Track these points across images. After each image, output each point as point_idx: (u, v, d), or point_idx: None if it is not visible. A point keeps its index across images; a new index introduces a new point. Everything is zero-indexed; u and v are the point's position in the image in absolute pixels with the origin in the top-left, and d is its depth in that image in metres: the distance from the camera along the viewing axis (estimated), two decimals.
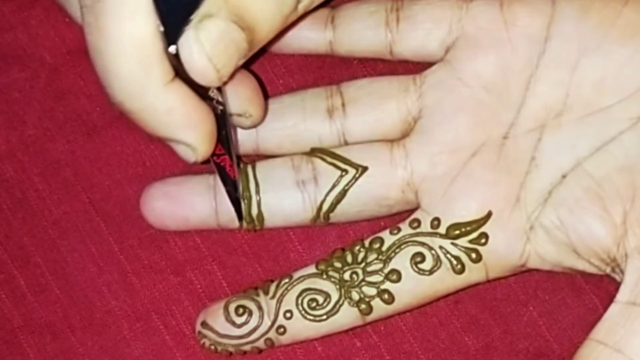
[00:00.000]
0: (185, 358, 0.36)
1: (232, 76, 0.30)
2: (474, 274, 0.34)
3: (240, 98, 0.33)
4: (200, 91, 0.30)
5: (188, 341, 0.36)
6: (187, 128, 0.30)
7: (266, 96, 0.36)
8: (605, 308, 0.32)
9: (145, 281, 0.37)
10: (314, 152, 0.35)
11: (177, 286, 0.37)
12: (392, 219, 0.36)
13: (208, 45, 0.28)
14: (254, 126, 0.35)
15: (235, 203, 0.35)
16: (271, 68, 0.38)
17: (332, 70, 0.37)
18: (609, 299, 0.32)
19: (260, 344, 0.34)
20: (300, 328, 0.34)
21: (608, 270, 0.32)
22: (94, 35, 0.28)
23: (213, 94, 0.31)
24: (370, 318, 0.34)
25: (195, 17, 0.28)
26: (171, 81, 0.29)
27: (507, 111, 0.34)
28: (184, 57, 0.28)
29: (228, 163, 0.33)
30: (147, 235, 0.37)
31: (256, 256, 0.37)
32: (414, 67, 0.36)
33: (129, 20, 0.28)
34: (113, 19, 0.28)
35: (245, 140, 0.36)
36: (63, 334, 0.36)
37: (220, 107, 0.31)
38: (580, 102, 0.33)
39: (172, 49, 0.28)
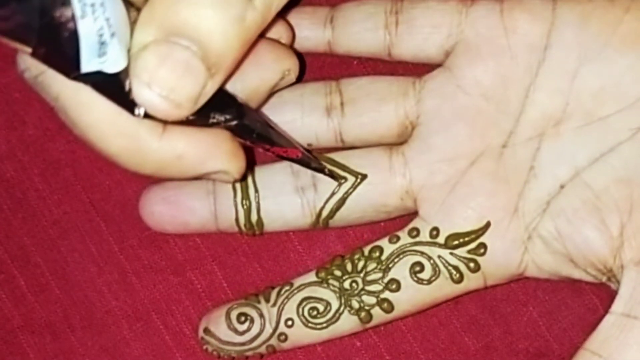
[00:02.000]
0: (185, 358, 0.36)
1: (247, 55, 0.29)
2: (472, 282, 0.34)
3: (269, 65, 0.32)
4: (201, 122, 0.29)
5: (188, 341, 0.36)
6: (206, 161, 0.29)
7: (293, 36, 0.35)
8: (605, 308, 0.32)
9: (145, 281, 0.37)
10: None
11: (177, 286, 0.37)
12: (392, 220, 0.36)
13: (146, 76, 0.26)
14: (300, 76, 0.34)
15: (320, 171, 0.34)
16: None
17: (333, 71, 0.37)
18: (609, 299, 0.32)
19: (262, 350, 0.34)
20: (301, 335, 0.34)
21: (604, 279, 0.33)
22: (72, 128, 0.28)
23: (215, 118, 0.29)
24: (369, 325, 0.34)
25: (131, 57, 0.27)
26: (164, 132, 0.28)
27: (506, 120, 0.33)
28: (139, 102, 0.27)
29: (281, 150, 0.33)
30: (147, 235, 0.37)
31: (256, 256, 0.37)
32: (415, 68, 0.35)
33: (89, 107, 0.27)
34: (77, 111, 0.27)
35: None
36: (63, 334, 0.36)
37: (233, 123, 0.30)
38: (579, 111, 0.33)
39: (136, 112, 0.27)
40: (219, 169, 0.30)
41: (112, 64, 0.26)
